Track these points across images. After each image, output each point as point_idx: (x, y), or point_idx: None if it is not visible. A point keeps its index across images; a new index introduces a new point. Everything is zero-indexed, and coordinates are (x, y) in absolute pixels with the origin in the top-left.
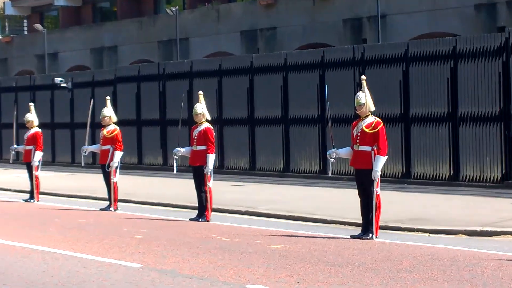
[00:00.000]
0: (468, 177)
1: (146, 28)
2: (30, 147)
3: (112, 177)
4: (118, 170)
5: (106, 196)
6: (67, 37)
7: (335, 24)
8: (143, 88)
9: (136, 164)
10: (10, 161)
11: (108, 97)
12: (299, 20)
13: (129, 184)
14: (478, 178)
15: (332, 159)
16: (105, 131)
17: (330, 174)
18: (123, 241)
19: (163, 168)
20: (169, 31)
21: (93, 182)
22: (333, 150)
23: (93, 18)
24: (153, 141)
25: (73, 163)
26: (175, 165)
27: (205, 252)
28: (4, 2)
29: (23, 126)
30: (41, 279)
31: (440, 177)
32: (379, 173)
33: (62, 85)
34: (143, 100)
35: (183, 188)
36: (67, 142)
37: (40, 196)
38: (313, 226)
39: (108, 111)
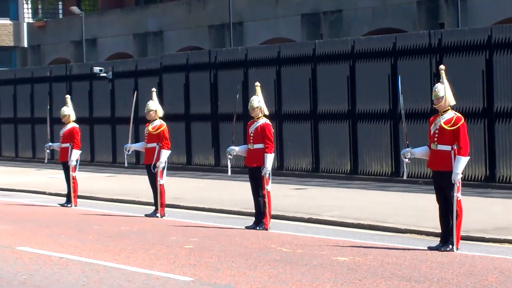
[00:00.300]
0: None
1: (195, 11)
2: (67, 144)
3: (158, 179)
4: (165, 171)
5: (152, 200)
6: (107, 21)
7: (408, 7)
8: (192, 78)
9: (185, 165)
10: (45, 161)
11: (154, 89)
12: (367, 2)
13: (177, 187)
14: None
15: (407, 160)
16: (150, 127)
17: (404, 177)
18: (171, 252)
19: (215, 169)
20: (221, 14)
21: (137, 184)
22: (408, 149)
23: (136, 0)
24: (203, 139)
25: (114, 163)
26: (229, 165)
27: (264, 265)
28: None
29: (59, 121)
30: None
31: None
32: (460, 176)
33: (102, 75)
34: (192, 92)
35: (238, 192)
36: (107, 139)
37: (77, 200)
38: (385, 235)
39: (154, 105)
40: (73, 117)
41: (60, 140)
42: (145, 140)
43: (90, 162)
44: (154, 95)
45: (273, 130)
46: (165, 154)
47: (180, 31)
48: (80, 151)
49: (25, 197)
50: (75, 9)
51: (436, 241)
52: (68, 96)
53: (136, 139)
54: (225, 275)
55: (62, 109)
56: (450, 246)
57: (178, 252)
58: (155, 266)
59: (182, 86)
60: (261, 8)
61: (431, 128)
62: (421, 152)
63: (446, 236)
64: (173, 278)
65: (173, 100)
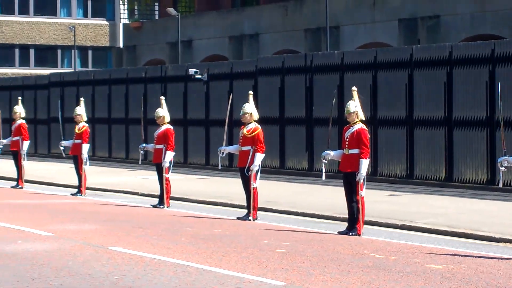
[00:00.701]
0: None
1: (291, 15)
2: (161, 146)
3: (252, 182)
4: (258, 175)
5: (245, 203)
6: (203, 23)
7: (507, 13)
8: (287, 82)
9: (278, 168)
10: (139, 162)
11: (251, 92)
12: (466, 8)
13: (270, 190)
14: None
15: (503, 168)
16: (245, 130)
17: (500, 185)
18: (263, 255)
19: (308, 173)
20: (318, 18)
21: (230, 187)
22: (505, 157)
23: (232, 2)
24: (297, 143)
25: (207, 165)
26: (323, 170)
27: (357, 271)
28: None
29: (153, 123)
30: None
31: None
32: None
33: (197, 76)
34: (287, 95)
35: (331, 197)
36: (201, 141)
37: (170, 201)
38: (479, 244)
39: (250, 107)
40: (167, 118)
41: (154, 141)
42: (240, 143)
43: (183, 164)
44: (251, 98)
45: (368, 135)
46: (259, 157)
47: (276, 34)
48: (174, 153)
49: (118, 197)
50: (171, 10)
51: None
52: (162, 98)
53: (230, 142)
54: (318, 280)
55: (157, 110)
56: None
57: (270, 256)
58: (247, 270)
59: (277, 89)
60: (358, 12)
61: None
62: None
63: None
64: (265, 282)
65: (268, 103)
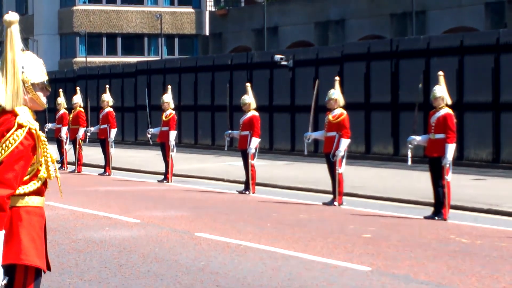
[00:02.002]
0: None
1: (377, 0)
2: (246, 132)
3: (337, 167)
4: (344, 160)
5: (330, 188)
6: (288, 9)
7: None
8: (372, 67)
9: (363, 153)
10: (225, 148)
11: (337, 78)
12: None
13: (355, 176)
14: None
15: None
16: (330, 116)
17: None
18: (349, 240)
19: (394, 158)
20: (404, 3)
21: (315, 172)
22: None
23: None
24: (382, 128)
25: (292, 151)
26: (409, 155)
27: (443, 256)
28: None
29: (239, 109)
30: (258, 281)
31: None
32: None
33: (283, 63)
34: (373, 81)
35: (416, 182)
36: (286, 127)
37: (256, 187)
38: None
39: (336, 93)
40: (253, 105)
41: (240, 128)
42: (325, 129)
43: (268, 150)
44: (337, 84)
45: (455, 120)
46: (345, 143)
47: (362, 20)
48: (260, 139)
49: (204, 184)
50: None
51: None
52: (248, 84)
53: (315, 128)
54: (404, 265)
55: (243, 97)
56: None
57: (356, 241)
58: (333, 255)
59: (363, 75)
60: None
61: None
62: None
63: None
64: (351, 268)
65: (353, 89)
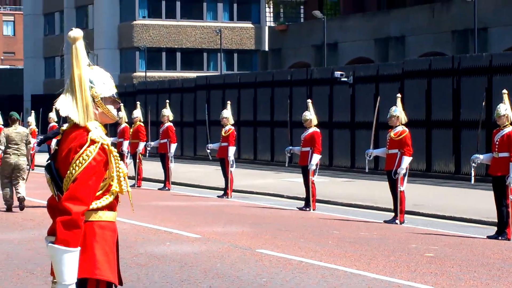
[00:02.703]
0: None
1: (438, 16)
2: (307, 148)
3: (399, 185)
4: (406, 178)
5: (391, 206)
6: (348, 25)
7: None
8: (434, 84)
9: (424, 171)
10: (286, 164)
11: (399, 95)
12: None
13: (416, 193)
14: None
15: None
16: (392, 133)
17: None
18: (412, 259)
19: (455, 176)
20: (465, 19)
21: (376, 190)
22: None
23: (378, 4)
24: (443, 146)
25: (352, 168)
26: (472, 173)
27: (507, 276)
28: None
29: (298, 125)
30: None
31: None
32: None
33: (343, 79)
34: (434, 98)
35: (479, 201)
36: (346, 144)
37: (316, 204)
38: None
39: (397, 110)
40: (315, 121)
41: (301, 144)
42: (387, 146)
43: (328, 166)
44: (399, 101)
45: None
46: (407, 160)
47: (422, 36)
48: (320, 156)
49: (263, 199)
50: (317, 13)
51: None
52: (309, 101)
53: (376, 145)
54: (467, 285)
55: (304, 113)
56: None
57: (419, 260)
58: (396, 274)
59: (424, 92)
60: (507, 13)
61: None
62: None
63: None
64: (414, 287)
65: (414, 106)
